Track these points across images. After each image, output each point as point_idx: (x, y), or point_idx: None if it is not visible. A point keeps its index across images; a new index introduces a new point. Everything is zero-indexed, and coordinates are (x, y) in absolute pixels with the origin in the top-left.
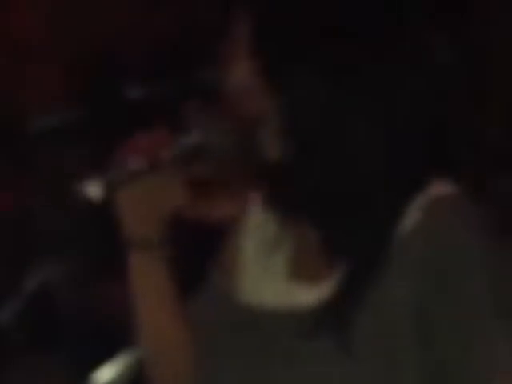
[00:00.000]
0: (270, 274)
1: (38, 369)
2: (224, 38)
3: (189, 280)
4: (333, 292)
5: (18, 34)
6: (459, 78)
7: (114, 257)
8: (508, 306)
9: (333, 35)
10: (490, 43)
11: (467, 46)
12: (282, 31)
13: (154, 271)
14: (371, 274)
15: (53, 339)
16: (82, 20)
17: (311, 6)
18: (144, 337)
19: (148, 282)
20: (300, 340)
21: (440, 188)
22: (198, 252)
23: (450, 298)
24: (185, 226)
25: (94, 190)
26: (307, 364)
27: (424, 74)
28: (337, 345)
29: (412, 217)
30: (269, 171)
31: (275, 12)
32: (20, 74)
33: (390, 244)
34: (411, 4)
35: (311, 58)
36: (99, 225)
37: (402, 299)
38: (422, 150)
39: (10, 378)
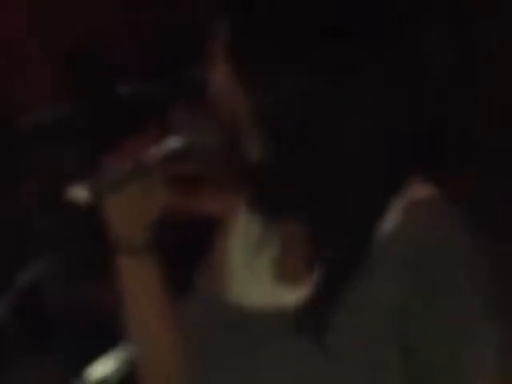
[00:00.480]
0: (256, 275)
1: (30, 365)
2: (210, 38)
3: (178, 281)
4: (311, 293)
5: (9, 33)
6: (452, 79)
7: (105, 255)
8: (495, 308)
9: (305, 35)
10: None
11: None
12: (255, 33)
13: (141, 274)
14: (349, 274)
15: (45, 336)
16: (73, 19)
17: (285, 6)
18: (134, 338)
19: (136, 285)
20: (285, 341)
21: (421, 189)
22: (186, 253)
23: (433, 300)
24: (173, 227)
25: (80, 194)
26: (293, 364)
27: (414, 75)
28: (313, 345)
29: (393, 218)
30: (252, 172)
31: (249, 12)
32: (11, 74)
33: (370, 245)
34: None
35: (285, 59)
36: (88, 225)
37: (383, 301)
38: (406, 151)
39: (2, 375)
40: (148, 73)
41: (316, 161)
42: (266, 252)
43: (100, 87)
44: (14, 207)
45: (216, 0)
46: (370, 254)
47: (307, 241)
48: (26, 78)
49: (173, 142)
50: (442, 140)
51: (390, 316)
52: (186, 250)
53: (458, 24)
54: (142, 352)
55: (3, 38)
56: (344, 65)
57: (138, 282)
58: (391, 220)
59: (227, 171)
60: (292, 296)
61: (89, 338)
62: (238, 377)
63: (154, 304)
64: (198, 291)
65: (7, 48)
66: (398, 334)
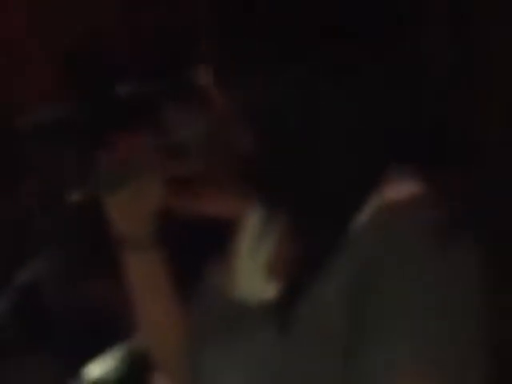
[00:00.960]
0: (256, 269)
1: (28, 364)
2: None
3: (185, 276)
4: (284, 284)
5: (7, 33)
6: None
7: (104, 255)
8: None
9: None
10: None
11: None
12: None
13: (147, 269)
14: (319, 267)
15: (44, 335)
16: (73, 19)
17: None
18: (143, 329)
19: (143, 280)
20: (272, 332)
21: (396, 189)
22: (194, 250)
23: (381, 298)
24: (179, 223)
25: (76, 195)
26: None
27: (414, 75)
28: (280, 333)
29: (366, 214)
30: (245, 168)
31: (246, 12)
32: (11, 74)
33: (343, 239)
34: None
35: (282, 59)
36: (88, 225)
37: (340, 293)
38: (387, 150)
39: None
40: (148, 73)
41: (305, 158)
42: (264, 245)
43: (100, 87)
44: (13, 207)
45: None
46: (340, 248)
47: (288, 234)
48: (26, 77)
49: (165, 141)
50: (440, 139)
51: (344, 308)
52: (194, 246)
53: (458, 24)
54: (150, 341)
55: (3, 38)
56: (342, 65)
57: (144, 277)
58: (365, 216)
59: (223, 169)
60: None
61: (87, 338)
62: (241, 369)
63: (159, 297)
64: (205, 286)
65: (7, 48)
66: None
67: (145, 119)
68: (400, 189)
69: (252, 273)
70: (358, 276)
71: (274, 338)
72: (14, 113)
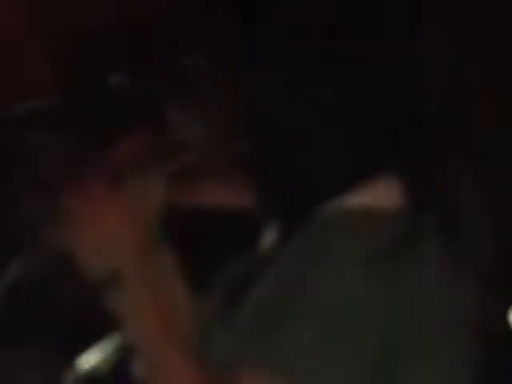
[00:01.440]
0: None
1: (19, 356)
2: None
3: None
4: None
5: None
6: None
7: None
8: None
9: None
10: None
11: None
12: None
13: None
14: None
15: (34, 326)
16: (67, 5)
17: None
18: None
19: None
20: None
21: (374, 195)
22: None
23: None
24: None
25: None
26: None
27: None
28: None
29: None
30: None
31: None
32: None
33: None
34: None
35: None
36: None
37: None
38: (376, 154)
39: None
40: (146, 71)
41: (298, 156)
42: None
43: (98, 85)
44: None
45: None
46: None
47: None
48: (22, 74)
49: (167, 139)
50: (439, 141)
51: None
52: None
53: (458, 24)
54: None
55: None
56: (341, 64)
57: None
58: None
59: (223, 162)
60: None
61: (80, 328)
62: None
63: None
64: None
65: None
66: None
67: (145, 118)
68: (378, 196)
69: None
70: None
71: None
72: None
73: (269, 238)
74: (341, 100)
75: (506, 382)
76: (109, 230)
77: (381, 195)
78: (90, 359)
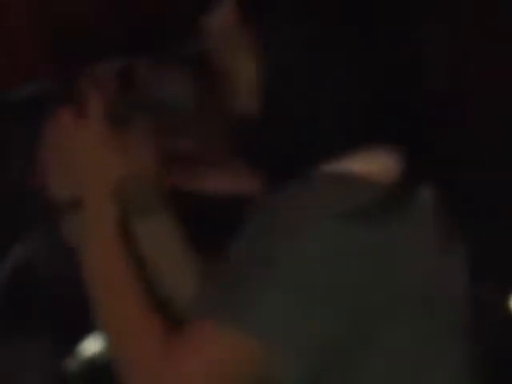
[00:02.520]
0: None
1: (19, 344)
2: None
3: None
4: None
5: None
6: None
7: None
8: None
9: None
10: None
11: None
12: None
13: (159, 233)
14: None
15: (35, 313)
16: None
17: None
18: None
19: (156, 245)
20: None
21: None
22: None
23: None
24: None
25: None
26: None
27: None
28: None
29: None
30: (238, 127)
31: None
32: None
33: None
34: None
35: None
36: None
37: None
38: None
39: None
40: (136, 47)
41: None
42: None
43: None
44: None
45: None
46: None
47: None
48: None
49: (140, 95)
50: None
51: None
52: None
53: (458, 24)
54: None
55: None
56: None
57: (158, 241)
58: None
59: (220, 147)
60: None
61: (81, 315)
62: None
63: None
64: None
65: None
66: None
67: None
68: (368, 165)
69: None
70: None
71: None
72: None
73: None
74: (349, 66)
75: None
76: (91, 159)
77: (370, 164)
78: (92, 346)
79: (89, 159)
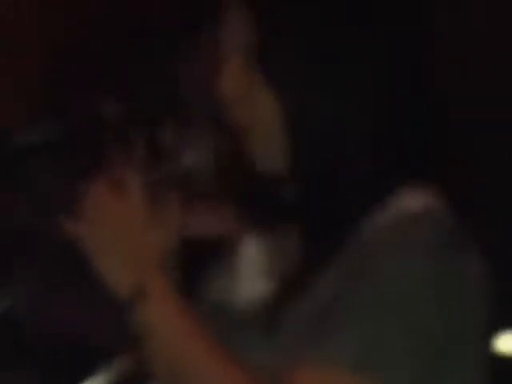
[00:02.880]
0: (259, 275)
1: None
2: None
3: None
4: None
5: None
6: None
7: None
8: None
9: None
10: None
11: None
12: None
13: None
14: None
15: (31, 355)
16: (57, 21)
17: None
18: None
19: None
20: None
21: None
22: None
23: None
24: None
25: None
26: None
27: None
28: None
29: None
30: (257, 183)
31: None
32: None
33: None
34: None
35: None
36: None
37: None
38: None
39: None
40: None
41: (323, 170)
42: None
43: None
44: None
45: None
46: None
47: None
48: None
49: (170, 166)
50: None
51: None
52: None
53: (456, 23)
54: None
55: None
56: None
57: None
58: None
59: (227, 186)
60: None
61: (76, 358)
62: None
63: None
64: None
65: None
66: None
67: (136, 142)
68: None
69: (253, 284)
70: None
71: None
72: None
73: None
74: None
75: None
76: (135, 242)
77: (413, 202)
78: None
79: (135, 237)
